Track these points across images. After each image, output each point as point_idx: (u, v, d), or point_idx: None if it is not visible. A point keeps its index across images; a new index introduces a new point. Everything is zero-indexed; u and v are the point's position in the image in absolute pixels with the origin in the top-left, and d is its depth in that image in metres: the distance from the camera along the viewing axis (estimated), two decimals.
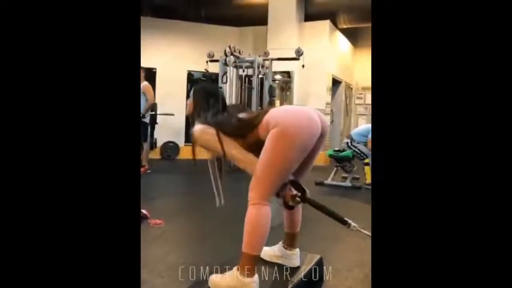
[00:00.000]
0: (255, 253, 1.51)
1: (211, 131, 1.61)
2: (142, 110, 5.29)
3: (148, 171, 5.51)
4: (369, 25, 7.93)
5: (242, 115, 1.70)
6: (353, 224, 1.52)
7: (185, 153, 7.52)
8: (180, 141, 7.66)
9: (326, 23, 7.45)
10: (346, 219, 1.53)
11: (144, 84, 5.44)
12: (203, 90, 1.80)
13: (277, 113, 1.57)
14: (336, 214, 1.56)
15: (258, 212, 1.51)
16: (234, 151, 1.59)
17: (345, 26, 7.89)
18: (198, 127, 1.66)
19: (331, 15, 7.46)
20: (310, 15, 7.49)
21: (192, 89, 1.84)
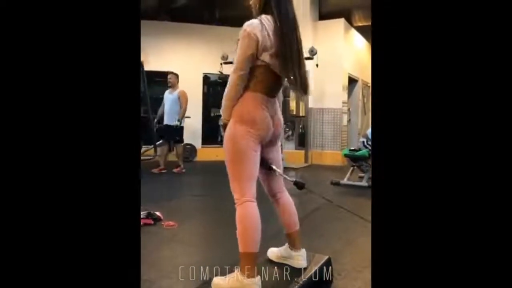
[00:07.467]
0: (251, 250, 1.51)
1: (255, 38, 1.55)
2: (179, 116, 5.66)
3: (183, 171, 5.84)
4: None
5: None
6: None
7: (202, 155, 7.57)
8: (198, 143, 7.71)
9: (341, 21, 7.38)
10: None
11: (180, 90, 5.71)
12: None
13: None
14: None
15: (244, 210, 1.53)
16: (241, 71, 1.66)
17: (360, 24, 7.79)
18: (256, 22, 1.57)
19: (345, 13, 7.39)
20: (324, 13, 7.44)
21: None
